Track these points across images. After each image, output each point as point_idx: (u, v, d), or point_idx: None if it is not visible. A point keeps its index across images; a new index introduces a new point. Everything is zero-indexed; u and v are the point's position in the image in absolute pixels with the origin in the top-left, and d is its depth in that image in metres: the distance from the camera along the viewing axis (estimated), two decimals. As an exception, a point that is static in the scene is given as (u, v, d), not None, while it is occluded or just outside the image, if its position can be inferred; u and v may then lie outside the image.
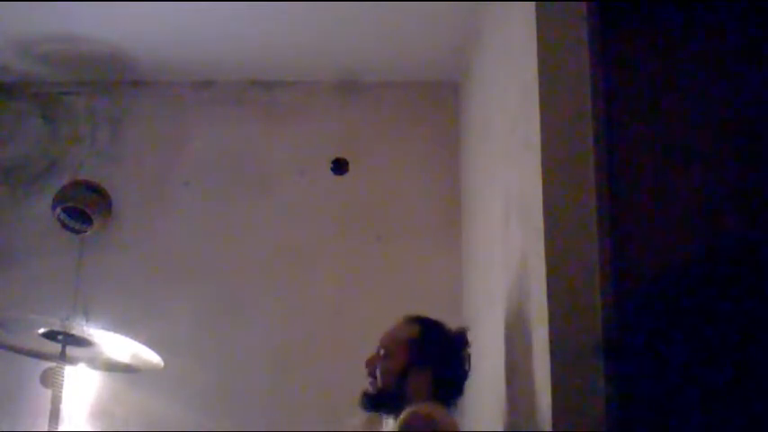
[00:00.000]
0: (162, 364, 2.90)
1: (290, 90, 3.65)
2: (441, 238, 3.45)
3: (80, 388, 3.25)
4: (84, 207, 3.41)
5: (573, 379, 1.74)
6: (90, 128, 3.63)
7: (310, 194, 3.53)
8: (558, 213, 1.89)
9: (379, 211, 3.51)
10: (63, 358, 2.86)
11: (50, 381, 2.96)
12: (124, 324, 3.09)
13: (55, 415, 2.85)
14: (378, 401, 2.19)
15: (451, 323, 2.29)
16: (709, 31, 1.97)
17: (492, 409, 2.47)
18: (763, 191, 1.85)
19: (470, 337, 2.24)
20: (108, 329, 2.92)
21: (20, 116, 3.64)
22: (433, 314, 2.29)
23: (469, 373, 2.22)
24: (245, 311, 3.40)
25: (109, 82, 3.64)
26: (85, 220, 3.41)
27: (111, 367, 3.10)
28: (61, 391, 2.90)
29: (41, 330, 2.79)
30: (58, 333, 2.79)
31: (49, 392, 2.94)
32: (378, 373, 2.20)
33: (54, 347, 2.85)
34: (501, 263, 2.46)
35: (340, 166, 3.49)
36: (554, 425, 1.76)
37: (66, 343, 2.83)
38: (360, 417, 2.32)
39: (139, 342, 2.86)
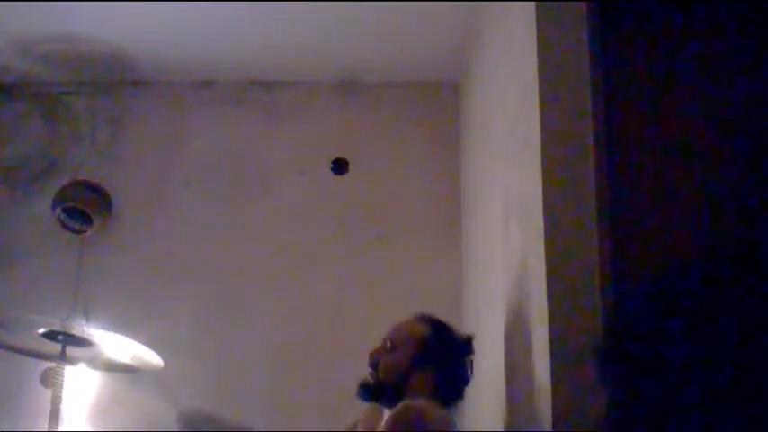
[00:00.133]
0: (162, 364, 2.90)
1: (290, 90, 3.65)
2: (441, 238, 3.45)
3: (80, 388, 3.25)
4: (84, 207, 3.41)
5: (573, 379, 1.74)
6: (90, 128, 3.63)
7: (310, 194, 3.53)
8: (558, 213, 1.89)
9: (379, 211, 3.51)
10: (63, 358, 2.86)
11: (50, 381, 2.96)
12: (124, 324, 3.09)
13: (55, 415, 2.85)
14: (376, 393, 2.19)
15: (452, 323, 2.29)
16: (709, 31, 1.97)
17: (492, 409, 2.47)
18: (763, 191, 1.85)
19: (475, 345, 2.24)
20: (108, 329, 2.92)
21: (20, 116, 3.64)
22: (433, 314, 2.29)
23: (471, 380, 2.21)
24: (245, 311, 3.40)
25: (109, 82, 3.64)
26: (85, 220, 3.41)
27: (111, 367, 3.10)
28: (61, 391, 2.90)
29: (41, 330, 2.79)
30: (58, 333, 2.79)
31: (49, 392, 2.93)
32: (381, 366, 2.20)
33: (54, 347, 2.85)
34: (501, 263, 2.46)
35: (340, 166, 3.49)
36: (554, 425, 1.76)
37: (66, 343, 2.83)
38: (364, 410, 2.32)
39: (139, 342, 2.86)
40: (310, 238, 3.48)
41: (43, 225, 3.47)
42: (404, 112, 3.61)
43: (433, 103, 3.62)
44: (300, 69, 3.58)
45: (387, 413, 2.15)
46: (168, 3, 3.09)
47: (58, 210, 3.41)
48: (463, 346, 2.20)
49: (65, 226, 3.42)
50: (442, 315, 2.30)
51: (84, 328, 2.83)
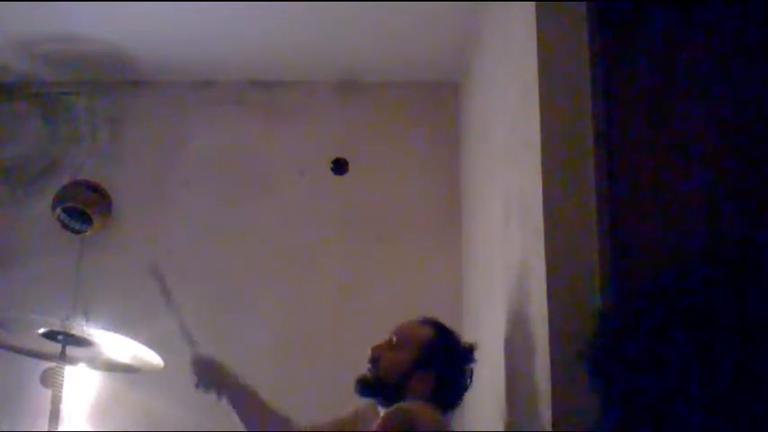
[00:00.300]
0: (162, 364, 2.89)
1: (290, 90, 3.65)
2: (441, 238, 3.45)
3: (80, 388, 3.25)
4: (84, 207, 3.41)
5: (573, 379, 1.74)
6: (90, 128, 3.63)
7: (310, 194, 3.53)
8: (558, 213, 1.89)
9: (379, 211, 3.51)
10: (63, 358, 2.86)
11: (50, 381, 2.96)
12: (124, 324, 3.08)
13: (55, 415, 2.85)
14: (374, 389, 2.19)
15: (451, 323, 2.29)
16: (709, 31, 1.97)
17: (492, 409, 2.47)
18: (763, 191, 1.85)
19: (476, 346, 2.24)
20: (108, 329, 2.91)
21: (20, 116, 3.64)
22: (433, 314, 2.29)
23: (469, 388, 2.21)
24: (245, 311, 3.40)
25: (109, 82, 3.64)
26: (85, 220, 3.41)
27: (111, 367, 3.10)
28: (61, 391, 2.89)
29: (41, 330, 2.78)
30: (58, 333, 2.79)
31: (49, 392, 2.93)
32: (382, 362, 2.19)
33: (54, 347, 2.85)
34: (501, 263, 2.46)
35: (340, 166, 3.49)
36: (554, 425, 1.76)
37: (67, 343, 2.83)
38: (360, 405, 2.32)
39: (139, 342, 2.86)
40: (310, 238, 3.48)
41: (43, 225, 3.47)
42: (404, 112, 3.61)
43: (433, 103, 3.62)
44: (300, 69, 3.58)
45: (381, 411, 2.15)
46: (168, 3, 3.09)
47: (58, 210, 3.41)
48: (466, 354, 2.20)
49: (65, 226, 3.42)
50: (442, 314, 2.30)
51: (84, 328, 2.83)
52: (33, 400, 3.20)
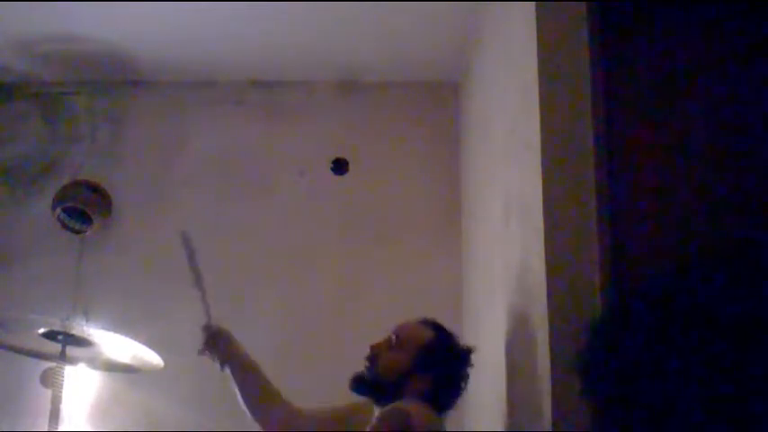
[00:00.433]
0: (162, 364, 2.89)
1: (290, 90, 3.65)
2: (441, 238, 3.45)
3: (80, 388, 3.25)
4: (84, 207, 3.41)
5: (573, 379, 1.74)
6: (90, 128, 3.63)
7: (310, 194, 3.53)
8: (558, 213, 1.89)
9: (379, 211, 3.51)
10: (63, 358, 2.86)
11: (50, 381, 2.96)
12: (124, 324, 3.08)
13: (55, 415, 2.85)
14: (370, 388, 2.19)
15: (451, 323, 2.29)
16: (709, 31, 1.97)
17: (492, 409, 2.47)
18: (763, 191, 1.85)
19: (476, 344, 2.24)
20: (108, 329, 2.92)
21: (20, 116, 3.64)
22: (433, 314, 2.29)
23: (464, 392, 2.21)
24: (245, 311, 3.39)
25: (109, 82, 3.64)
26: (85, 220, 3.42)
27: (111, 367, 3.10)
28: (61, 391, 2.89)
29: (41, 330, 2.79)
30: (58, 333, 2.79)
31: (49, 392, 2.93)
32: (380, 361, 2.19)
33: (54, 347, 2.85)
34: (501, 263, 2.46)
35: (340, 166, 3.49)
36: (554, 425, 1.76)
37: (67, 343, 2.83)
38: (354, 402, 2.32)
39: (139, 342, 2.86)
40: (310, 238, 3.48)
41: (43, 225, 3.47)
42: (404, 112, 3.61)
43: (433, 103, 3.62)
44: (300, 69, 3.58)
45: (376, 410, 2.14)
46: (168, 3, 3.09)
47: (58, 210, 3.41)
48: (464, 357, 2.20)
49: (65, 226, 3.42)
50: (442, 314, 2.30)
51: (84, 328, 2.83)
52: (33, 400, 3.20)
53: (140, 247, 3.48)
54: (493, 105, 2.74)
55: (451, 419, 2.20)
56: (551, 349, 1.80)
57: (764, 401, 0.92)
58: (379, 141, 3.58)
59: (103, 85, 3.65)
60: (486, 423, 2.57)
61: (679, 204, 1.87)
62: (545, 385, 1.82)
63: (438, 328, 2.22)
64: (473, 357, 2.20)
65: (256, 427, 3.13)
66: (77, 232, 3.43)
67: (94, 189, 3.46)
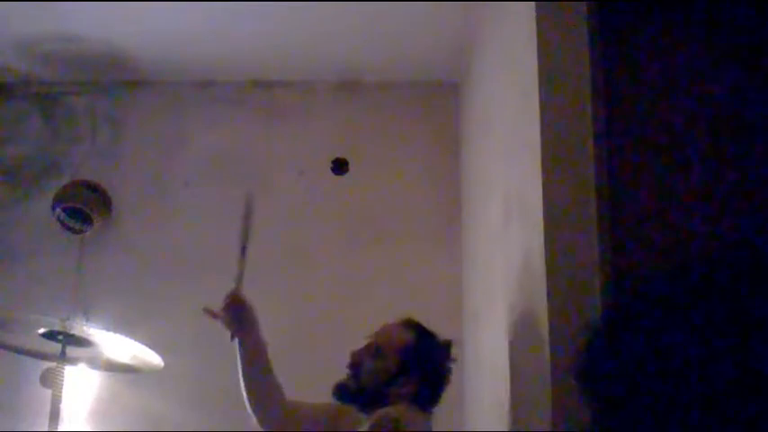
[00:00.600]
0: (162, 364, 2.89)
1: (290, 90, 3.65)
2: (441, 238, 3.45)
3: (80, 388, 3.25)
4: (84, 207, 3.41)
5: (572, 379, 1.74)
6: (90, 128, 3.63)
7: (310, 194, 3.53)
8: (558, 213, 1.89)
9: (379, 211, 3.51)
10: (63, 358, 2.86)
11: (50, 381, 2.96)
12: (124, 324, 3.09)
13: (55, 415, 2.85)
14: (354, 396, 2.19)
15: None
16: (709, 31, 1.97)
17: (492, 409, 2.47)
18: (762, 191, 1.85)
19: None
20: (108, 329, 2.92)
21: (20, 116, 3.64)
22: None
23: (448, 385, 2.21)
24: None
25: (109, 82, 3.65)
26: (85, 220, 3.42)
27: (111, 367, 3.10)
28: (61, 391, 2.89)
29: (41, 330, 2.79)
30: (58, 333, 2.79)
31: (49, 392, 2.93)
32: (363, 369, 2.19)
33: (54, 347, 2.85)
34: (501, 263, 2.46)
35: (340, 166, 3.49)
36: (554, 425, 1.76)
37: (66, 343, 2.83)
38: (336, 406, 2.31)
39: (139, 342, 2.86)
40: (310, 238, 3.48)
41: (43, 225, 3.47)
42: (404, 112, 3.61)
43: (433, 103, 3.62)
44: (300, 69, 3.58)
45: (362, 416, 2.15)
46: (168, 3, 3.09)
47: (58, 210, 3.41)
48: (445, 354, 2.20)
49: (65, 226, 3.42)
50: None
51: (84, 328, 2.83)
52: (33, 400, 3.20)
53: (140, 247, 3.48)
54: (493, 105, 2.74)
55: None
56: (551, 349, 1.80)
57: (765, 402, 0.92)
58: (379, 141, 3.58)
59: (103, 85, 3.65)
60: (486, 423, 2.57)
61: (679, 204, 1.87)
62: (545, 385, 1.82)
63: (418, 329, 2.22)
64: (453, 350, 2.21)
65: (256, 426, 3.14)
66: (77, 232, 3.43)
67: (94, 189, 3.46)
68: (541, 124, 1.95)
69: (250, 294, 3.41)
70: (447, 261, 3.40)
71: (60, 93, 3.66)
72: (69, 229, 3.42)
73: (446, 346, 2.20)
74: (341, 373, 2.27)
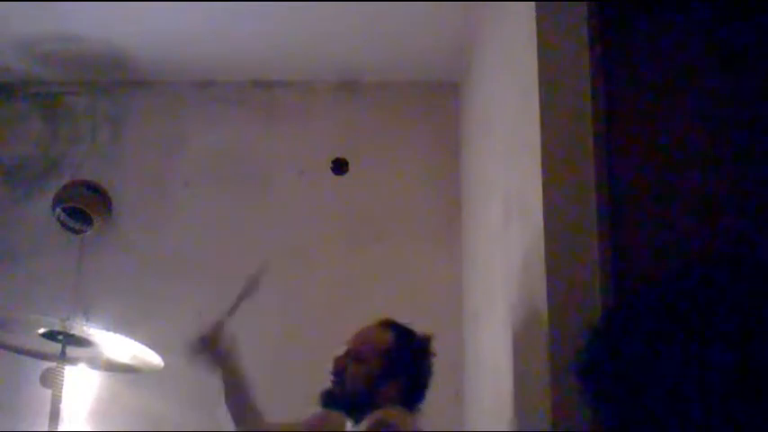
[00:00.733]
0: (162, 364, 2.89)
1: (290, 90, 3.65)
2: (441, 238, 3.45)
3: (80, 388, 3.25)
4: (84, 207, 3.41)
5: (573, 379, 1.74)
6: (90, 128, 3.63)
7: (310, 194, 3.53)
8: (558, 213, 1.89)
9: (379, 211, 3.51)
10: (63, 358, 2.86)
11: (50, 381, 2.96)
12: (124, 324, 3.09)
13: (55, 415, 2.85)
14: (340, 402, 2.19)
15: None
16: (709, 31, 1.97)
17: (492, 409, 2.47)
18: (762, 191, 1.85)
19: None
20: (108, 329, 2.92)
21: (20, 116, 3.65)
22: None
23: (431, 381, 2.21)
24: (244, 311, 3.39)
25: (109, 82, 3.65)
26: (85, 220, 3.42)
27: (111, 367, 3.10)
28: (61, 391, 2.89)
29: (41, 330, 2.79)
30: (58, 333, 2.79)
31: (49, 392, 2.93)
32: (347, 375, 2.19)
33: (54, 347, 2.85)
34: (501, 263, 2.46)
35: (340, 166, 3.49)
36: (554, 425, 1.76)
37: (66, 343, 2.83)
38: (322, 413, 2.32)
39: (139, 342, 2.86)
40: (310, 238, 3.48)
41: (43, 225, 3.47)
42: (404, 112, 3.61)
43: (433, 103, 3.62)
44: (300, 69, 3.58)
45: (348, 421, 2.15)
46: (168, 3, 3.09)
47: (58, 210, 3.41)
48: (425, 350, 2.20)
49: (65, 226, 3.42)
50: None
51: (84, 328, 2.83)
52: (33, 400, 3.20)
53: (140, 247, 3.48)
54: (493, 105, 2.74)
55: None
56: (551, 349, 1.80)
57: (765, 402, 0.92)
58: (379, 141, 3.58)
59: (103, 85, 3.65)
60: (487, 423, 2.57)
61: (679, 204, 1.87)
62: (545, 385, 1.82)
63: (396, 329, 2.22)
64: (433, 345, 2.20)
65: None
66: (77, 232, 3.43)
67: (94, 189, 3.46)
68: (541, 124, 1.95)
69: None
70: (447, 261, 3.40)
71: (60, 93, 3.66)
72: (69, 229, 3.42)
73: (425, 342, 2.20)
74: (340, 373, 2.27)
